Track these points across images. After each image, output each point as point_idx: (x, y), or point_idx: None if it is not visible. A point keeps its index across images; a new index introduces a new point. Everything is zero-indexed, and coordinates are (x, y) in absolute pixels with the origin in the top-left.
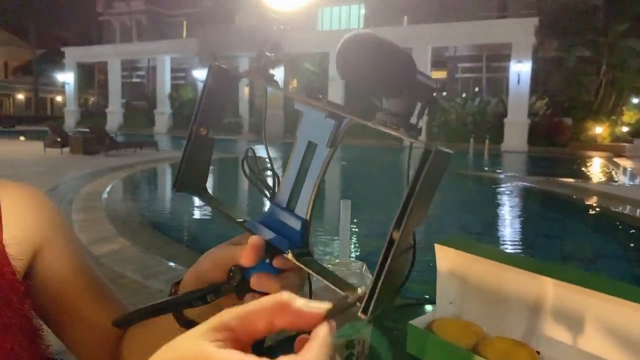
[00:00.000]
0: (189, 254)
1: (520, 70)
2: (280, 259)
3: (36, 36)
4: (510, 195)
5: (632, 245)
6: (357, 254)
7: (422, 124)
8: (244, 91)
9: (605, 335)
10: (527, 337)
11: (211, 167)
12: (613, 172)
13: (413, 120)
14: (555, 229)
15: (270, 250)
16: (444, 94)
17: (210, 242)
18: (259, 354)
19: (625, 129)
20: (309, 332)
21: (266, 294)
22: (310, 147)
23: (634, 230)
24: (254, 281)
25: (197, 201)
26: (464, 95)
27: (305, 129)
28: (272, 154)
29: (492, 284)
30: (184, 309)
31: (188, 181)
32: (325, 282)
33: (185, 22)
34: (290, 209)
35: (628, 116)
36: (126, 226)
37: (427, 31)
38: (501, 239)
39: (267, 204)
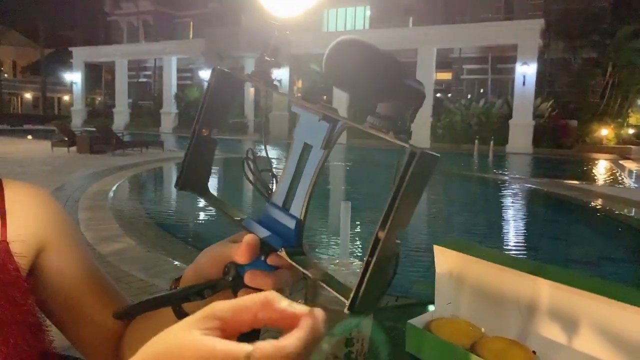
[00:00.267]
0: (194, 252)
1: (526, 71)
2: (274, 257)
3: (44, 36)
4: (515, 197)
5: (637, 248)
6: (360, 254)
7: (427, 127)
8: (250, 92)
9: (599, 335)
10: (523, 337)
11: (217, 167)
12: (619, 175)
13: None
14: (560, 231)
15: (265, 248)
16: (449, 95)
17: (215, 241)
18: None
19: (631, 131)
20: None
21: (260, 290)
22: (306, 149)
23: (639, 233)
24: (248, 278)
25: (200, 201)
26: (469, 96)
27: (302, 130)
28: (276, 154)
29: (490, 284)
30: (182, 303)
31: (190, 180)
32: (317, 280)
33: (192, 23)
34: (285, 208)
35: (634, 118)
36: (132, 225)
37: (433, 33)
38: (505, 240)
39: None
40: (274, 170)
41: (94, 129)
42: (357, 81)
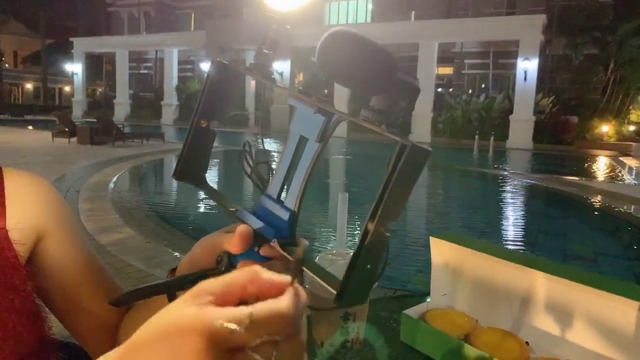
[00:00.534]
0: (193, 243)
1: (527, 67)
2: (267, 248)
3: (45, 26)
4: (514, 193)
5: (635, 244)
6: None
7: (428, 121)
8: (251, 84)
9: (591, 327)
10: (517, 328)
11: (216, 159)
12: (619, 171)
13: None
14: (559, 227)
15: (259, 239)
16: (450, 90)
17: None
18: None
19: (632, 128)
20: None
21: None
22: (302, 142)
23: (638, 230)
24: (240, 268)
25: (200, 192)
26: (470, 91)
27: (298, 123)
28: (277, 147)
29: (485, 276)
30: (176, 291)
31: (188, 171)
32: (307, 270)
33: (193, 15)
34: (280, 200)
35: (635, 115)
36: (132, 216)
37: (434, 27)
38: (504, 236)
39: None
40: (271, 162)
41: (94, 120)
42: (349, 73)
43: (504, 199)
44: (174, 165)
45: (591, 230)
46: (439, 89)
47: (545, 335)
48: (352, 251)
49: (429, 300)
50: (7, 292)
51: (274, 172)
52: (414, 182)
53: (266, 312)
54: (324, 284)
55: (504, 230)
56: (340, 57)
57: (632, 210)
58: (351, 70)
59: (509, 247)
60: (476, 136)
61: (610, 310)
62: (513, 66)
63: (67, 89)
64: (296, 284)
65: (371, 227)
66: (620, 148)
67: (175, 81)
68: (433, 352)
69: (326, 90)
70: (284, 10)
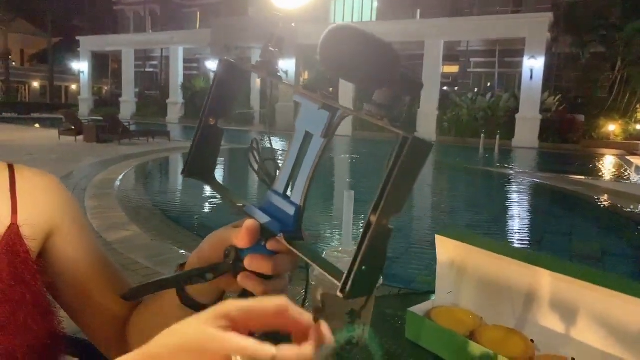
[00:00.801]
0: (198, 241)
1: (533, 65)
2: (274, 242)
3: (52, 25)
4: (520, 192)
5: None
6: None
7: (433, 120)
8: (256, 83)
9: (596, 325)
10: (522, 325)
11: (222, 157)
12: (625, 170)
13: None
14: (565, 226)
15: (266, 233)
16: (456, 88)
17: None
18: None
19: (639, 126)
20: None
21: (259, 274)
22: (307, 138)
23: None
24: (248, 261)
25: (206, 190)
26: (475, 90)
27: (303, 120)
28: (282, 144)
29: (490, 274)
30: (185, 285)
31: (197, 168)
32: (313, 264)
33: (198, 13)
34: (286, 195)
35: None
36: (138, 213)
37: (440, 25)
38: (509, 235)
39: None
40: (277, 159)
41: (100, 118)
42: (351, 66)
43: (510, 198)
44: (179, 163)
45: (598, 230)
46: (445, 88)
47: (550, 332)
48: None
49: (434, 298)
50: (19, 286)
51: (280, 167)
52: (417, 175)
53: (293, 354)
54: (329, 277)
55: (509, 229)
56: (341, 51)
57: (638, 210)
58: (353, 63)
59: (515, 246)
60: (482, 135)
61: (615, 308)
62: (519, 64)
63: (73, 87)
64: (321, 327)
65: (374, 219)
66: (627, 147)
67: (180, 79)
68: (438, 349)
69: (331, 89)
70: (289, 9)
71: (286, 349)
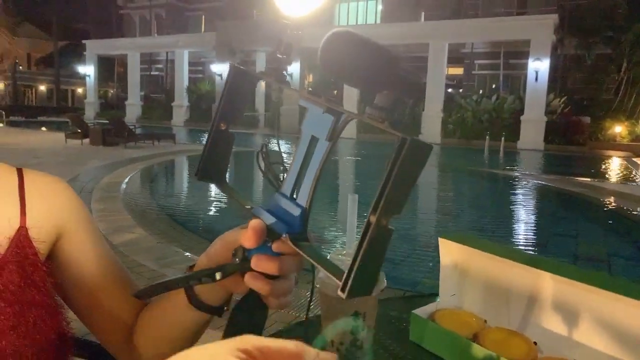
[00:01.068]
0: (204, 244)
1: (539, 67)
2: (279, 244)
3: (58, 29)
4: (525, 194)
5: None
6: None
7: (438, 122)
8: (261, 86)
9: (599, 328)
10: (524, 328)
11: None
12: (632, 172)
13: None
14: (570, 229)
15: (272, 234)
16: (460, 90)
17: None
18: None
19: None
20: None
21: (265, 274)
22: (313, 141)
23: None
24: (254, 262)
25: (212, 194)
26: (480, 92)
27: (309, 123)
28: (288, 147)
29: (493, 277)
30: (195, 284)
31: (208, 171)
32: (318, 265)
33: (203, 17)
34: (292, 197)
35: None
36: (144, 216)
37: (444, 27)
38: (515, 237)
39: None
40: (284, 163)
41: (106, 121)
42: (349, 70)
43: (515, 200)
44: (185, 166)
45: (604, 232)
46: (449, 90)
47: (553, 335)
48: None
49: (437, 300)
50: (28, 288)
51: (287, 170)
52: (416, 177)
53: None
54: (331, 276)
55: (515, 231)
56: (339, 56)
57: None
58: (351, 67)
59: (520, 248)
60: (487, 137)
61: (618, 311)
62: (524, 66)
63: (79, 90)
64: None
65: (373, 219)
66: (633, 149)
67: (186, 82)
68: (441, 351)
69: (335, 92)
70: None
71: None
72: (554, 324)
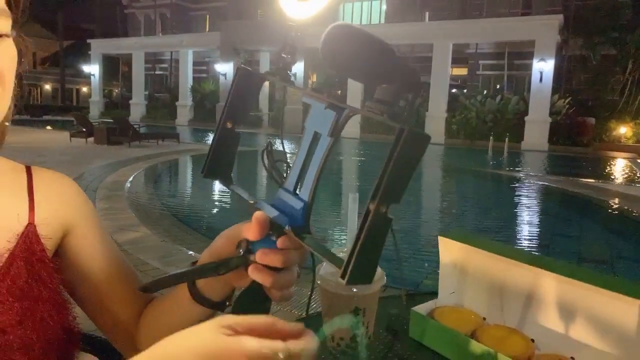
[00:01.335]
0: (207, 242)
1: (543, 68)
2: (284, 239)
3: (63, 28)
4: (529, 195)
5: None
6: None
7: (442, 122)
8: (264, 85)
9: (596, 325)
10: (523, 325)
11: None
12: (636, 173)
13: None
14: (574, 229)
15: (276, 229)
16: (465, 91)
17: None
18: None
19: None
20: None
21: (268, 266)
22: (316, 137)
23: None
24: (259, 255)
25: (215, 192)
26: (484, 92)
27: (312, 120)
28: (290, 145)
29: (492, 275)
30: (199, 278)
31: (215, 169)
32: (320, 256)
33: (207, 16)
34: (295, 192)
35: None
36: (148, 215)
37: (449, 27)
38: (518, 237)
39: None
40: (288, 160)
41: (111, 120)
42: (348, 63)
43: (519, 201)
44: (188, 165)
45: (608, 234)
46: (453, 90)
47: (550, 332)
48: None
49: (437, 298)
50: (36, 284)
51: (290, 167)
52: (415, 166)
53: (299, 346)
54: (331, 264)
55: (519, 232)
56: (339, 48)
57: None
58: (350, 59)
59: (522, 248)
60: (491, 137)
61: (616, 310)
62: (528, 67)
63: (84, 89)
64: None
65: (372, 207)
66: (638, 150)
67: (190, 82)
68: (440, 347)
69: (340, 91)
70: (301, 19)
71: (294, 343)
72: (551, 321)
